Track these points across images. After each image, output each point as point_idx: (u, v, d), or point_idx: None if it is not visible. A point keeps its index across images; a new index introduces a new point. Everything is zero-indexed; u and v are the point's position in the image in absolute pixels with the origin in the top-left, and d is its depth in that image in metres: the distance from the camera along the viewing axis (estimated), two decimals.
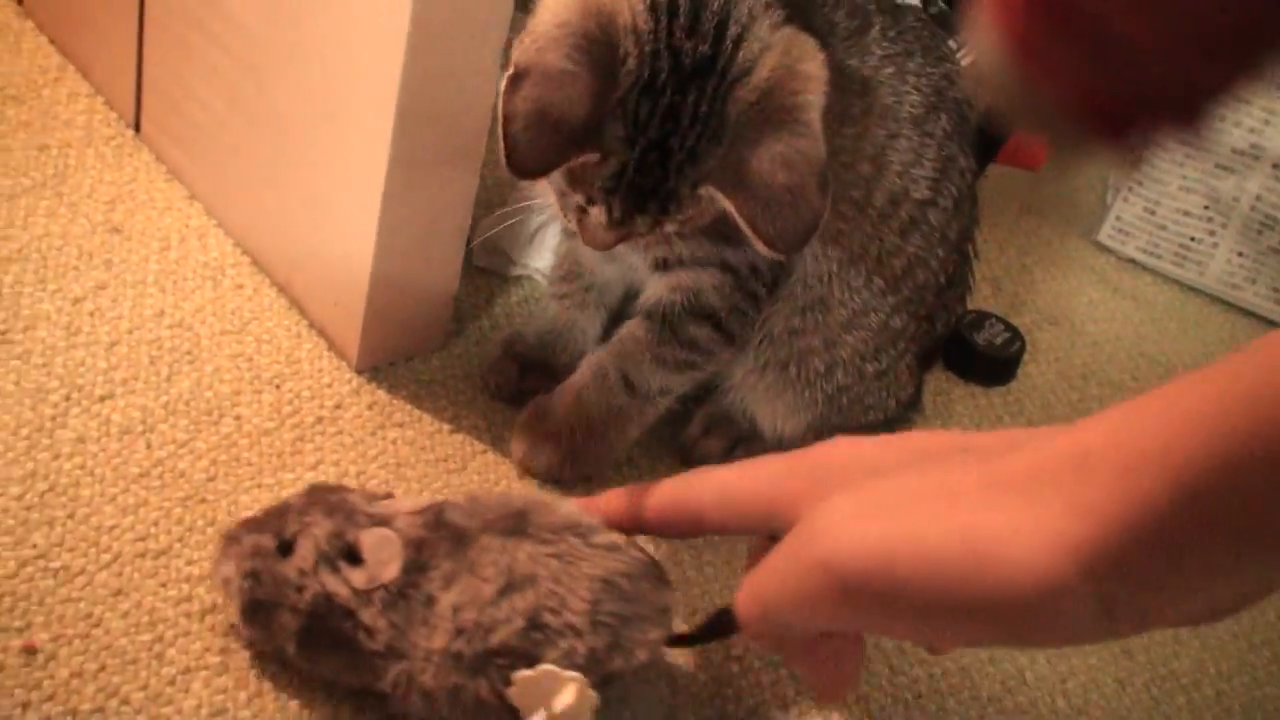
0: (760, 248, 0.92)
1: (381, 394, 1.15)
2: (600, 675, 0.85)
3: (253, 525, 0.90)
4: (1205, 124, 0.59)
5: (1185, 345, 1.59)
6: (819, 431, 1.14)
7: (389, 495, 0.93)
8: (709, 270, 1.07)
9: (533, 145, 0.90)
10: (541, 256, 1.31)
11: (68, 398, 1.07)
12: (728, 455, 1.18)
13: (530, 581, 0.84)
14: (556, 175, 0.96)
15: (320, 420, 1.11)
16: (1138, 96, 0.59)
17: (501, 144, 0.90)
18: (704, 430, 1.19)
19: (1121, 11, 0.55)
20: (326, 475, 1.06)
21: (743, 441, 1.18)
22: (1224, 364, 0.56)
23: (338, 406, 1.13)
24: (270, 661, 0.91)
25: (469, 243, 1.21)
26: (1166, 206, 1.70)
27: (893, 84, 1.06)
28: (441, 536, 0.87)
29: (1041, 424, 1.38)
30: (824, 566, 0.65)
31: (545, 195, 1.27)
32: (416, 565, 0.86)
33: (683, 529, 0.86)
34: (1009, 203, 1.45)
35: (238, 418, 1.09)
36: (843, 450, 0.77)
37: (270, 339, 1.17)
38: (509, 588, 0.84)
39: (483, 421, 1.16)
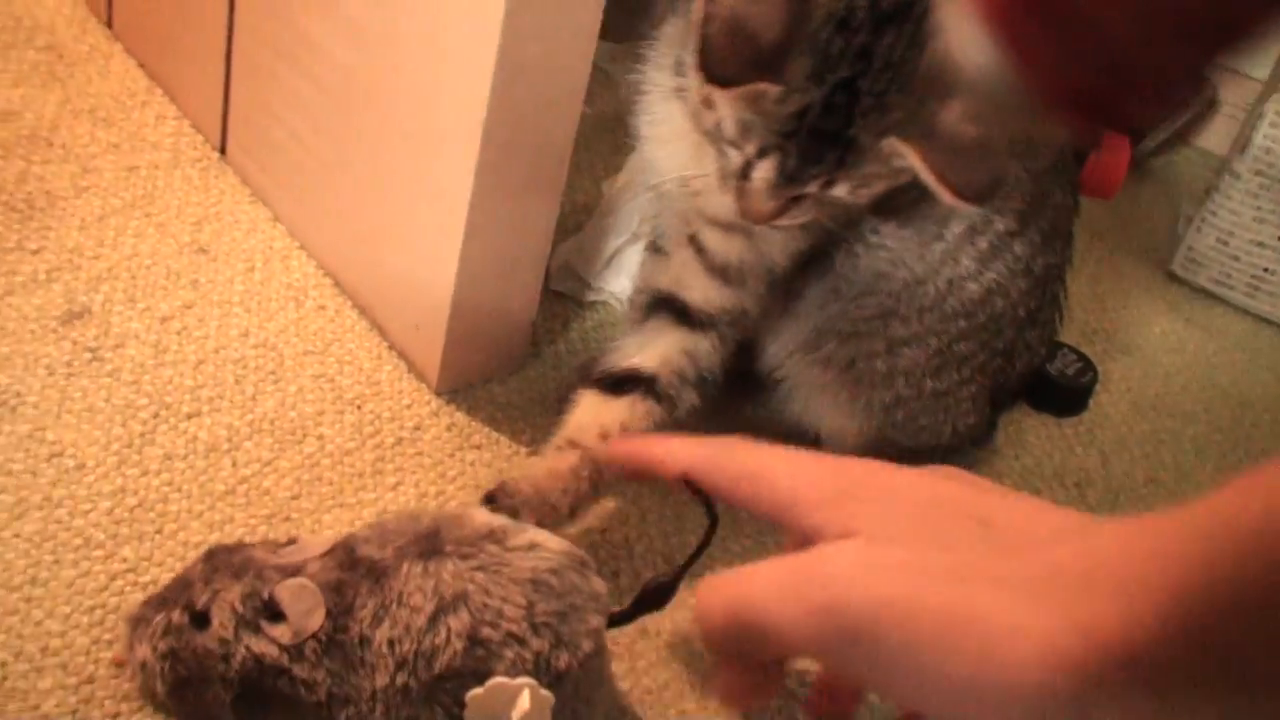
0: (947, 198, 0.90)
1: (460, 416, 1.17)
2: (551, 675, 0.85)
3: (158, 603, 0.86)
4: (1181, 106, 0.59)
5: (1257, 377, 1.59)
6: (876, 446, 1.15)
7: (292, 540, 0.90)
8: (712, 332, 1.09)
9: (725, 53, 0.89)
10: (618, 281, 1.33)
11: (156, 415, 1.09)
12: None
13: (461, 599, 0.83)
14: (729, 121, 0.93)
15: (400, 441, 1.13)
16: (1115, 82, 0.59)
17: (697, 45, 0.89)
18: None
19: (1105, 4, 0.56)
20: (406, 495, 1.08)
21: None
22: (1230, 492, 0.55)
23: (417, 428, 1.15)
24: None
25: (547, 267, 1.22)
26: (1239, 237, 1.69)
27: None
28: (359, 574, 0.85)
29: (1115, 455, 1.38)
30: (829, 611, 0.65)
31: (624, 220, 1.30)
32: (341, 608, 0.83)
33: (712, 492, 0.84)
34: (1081, 232, 1.45)
35: (320, 437, 1.11)
36: (866, 471, 0.77)
37: (352, 360, 1.19)
38: (441, 611, 0.83)
39: None
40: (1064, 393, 1.42)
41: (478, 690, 0.83)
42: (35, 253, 1.20)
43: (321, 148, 1.23)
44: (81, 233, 1.23)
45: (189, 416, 1.10)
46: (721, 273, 1.08)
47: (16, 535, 0.97)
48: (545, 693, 0.84)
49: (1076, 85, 0.59)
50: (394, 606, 0.83)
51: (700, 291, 1.09)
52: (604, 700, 0.95)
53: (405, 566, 0.84)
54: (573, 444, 1.07)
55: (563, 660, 0.85)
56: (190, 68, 1.39)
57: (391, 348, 1.21)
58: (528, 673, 0.83)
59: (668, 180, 1.08)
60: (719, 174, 0.98)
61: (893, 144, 0.90)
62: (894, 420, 1.13)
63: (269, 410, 1.12)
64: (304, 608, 0.82)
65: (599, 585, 0.89)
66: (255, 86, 1.30)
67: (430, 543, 0.86)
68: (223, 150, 1.37)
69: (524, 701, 0.83)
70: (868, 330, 1.10)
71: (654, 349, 1.10)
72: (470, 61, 1.03)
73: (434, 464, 1.12)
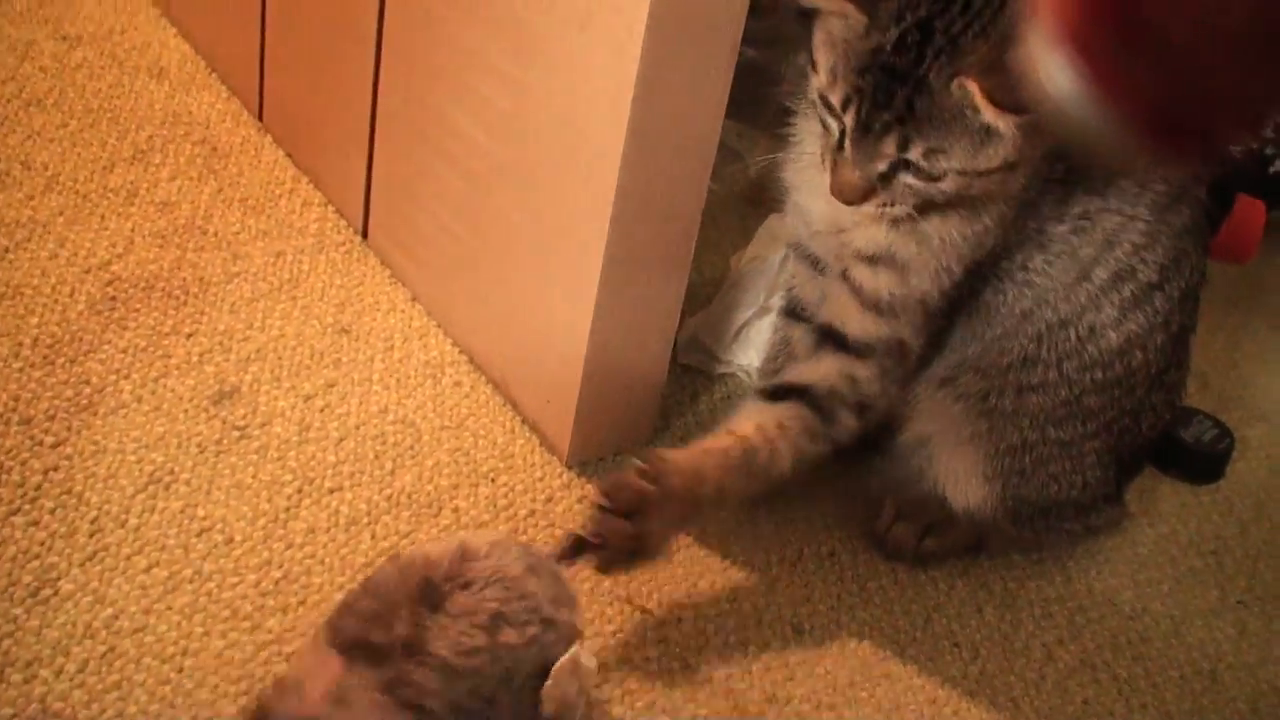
0: (990, 114, 0.90)
1: (591, 488, 1.19)
2: (577, 634, 0.89)
3: None
4: (1261, 130, 0.58)
5: None
6: (1005, 503, 1.15)
7: (279, 681, 0.87)
8: (871, 360, 1.10)
9: None
10: (745, 354, 1.35)
11: (300, 490, 1.14)
12: (919, 543, 1.20)
13: (500, 619, 0.86)
14: (824, 69, 0.96)
15: (533, 513, 1.16)
16: (1202, 107, 0.59)
17: None
18: (895, 518, 1.21)
19: (1184, 24, 0.56)
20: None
21: (934, 528, 1.20)
22: None
23: (549, 500, 1.18)
24: None
25: (674, 341, 1.25)
26: None
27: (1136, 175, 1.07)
28: (396, 661, 0.84)
29: (1254, 523, 1.36)
30: None
31: (752, 293, 1.32)
32: (409, 701, 0.83)
33: None
34: (1216, 297, 1.44)
35: (456, 510, 1.15)
36: None
37: (486, 434, 1.23)
38: (493, 639, 0.85)
39: None
40: (1200, 459, 1.40)
41: (548, 684, 0.86)
42: (189, 336, 1.26)
43: (459, 228, 1.27)
44: (232, 316, 1.29)
45: (331, 491, 1.14)
46: (874, 307, 1.09)
47: (169, 608, 1.02)
48: (589, 642, 0.92)
49: (1162, 111, 0.59)
50: (454, 661, 0.84)
51: (857, 324, 1.10)
52: None
53: (432, 624, 0.85)
54: (729, 433, 1.09)
55: (578, 617, 0.91)
56: (335, 156, 1.45)
57: (524, 422, 1.25)
58: (571, 640, 0.88)
59: (819, 223, 1.11)
60: (823, 155, 1.02)
61: (961, 83, 0.91)
62: (1021, 467, 1.13)
63: (407, 484, 1.16)
64: None
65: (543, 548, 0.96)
66: (396, 172, 1.35)
67: (431, 592, 0.87)
68: (364, 234, 1.43)
69: (586, 662, 0.89)
70: (1004, 371, 1.11)
71: (816, 369, 1.12)
72: (601, 141, 1.07)
73: (566, 535, 1.14)
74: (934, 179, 0.97)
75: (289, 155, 1.53)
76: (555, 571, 0.92)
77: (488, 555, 0.90)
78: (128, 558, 1.05)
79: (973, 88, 0.91)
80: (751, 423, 1.10)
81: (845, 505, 1.25)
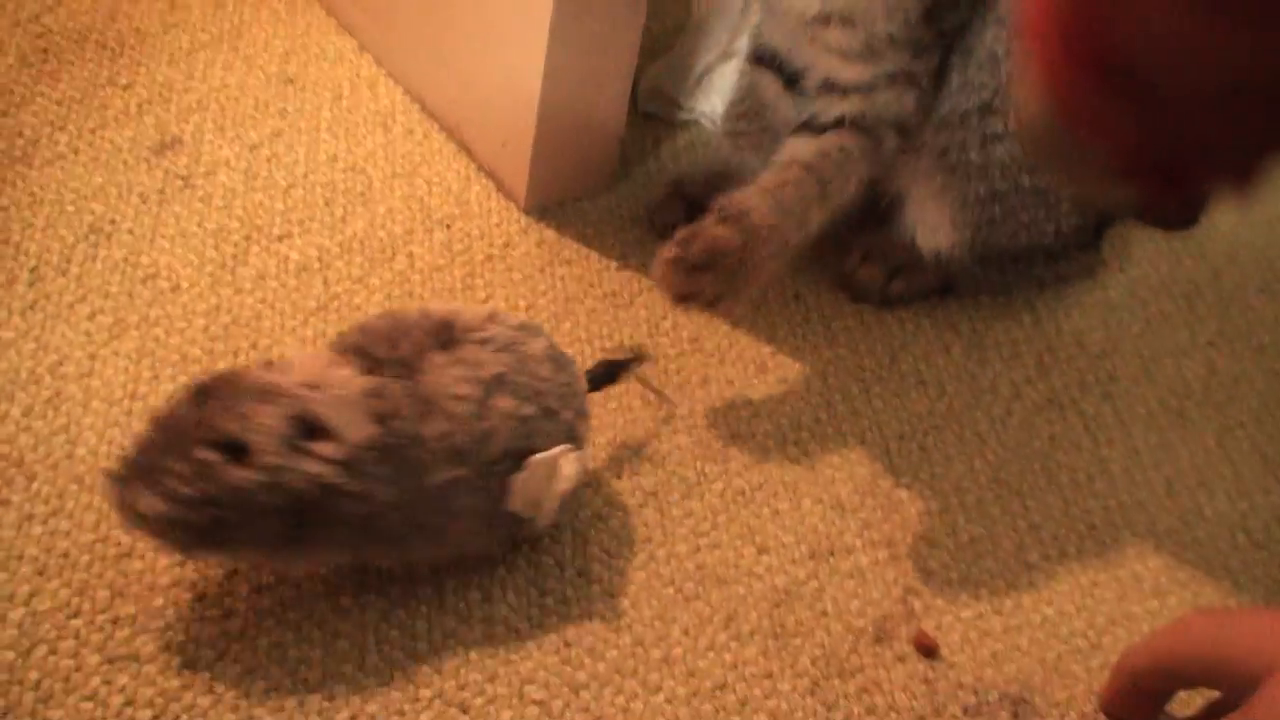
0: None
1: (550, 233, 1.16)
2: (577, 443, 0.86)
3: (160, 450, 0.76)
4: (1252, 181, 0.58)
5: None
6: (974, 247, 1.13)
7: (269, 362, 0.82)
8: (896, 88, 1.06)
9: None
10: (708, 100, 1.31)
11: (248, 238, 1.10)
12: (887, 284, 1.18)
13: (501, 381, 0.82)
14: None
15: (490, 258, 1.13)
16: (1183, 154, 0.58)
17: None
18: (863, 259, 1.18)
19: (1168, 70, 0.54)
20: (498, 308, 1.08)
21: (902, 271, 1.17)
22: None
23: (507, 245, 1.14)
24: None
25: (635, 88, 1.20)
26: None
27: None
28: (388, 377, 0.81)
29: (1226, 267, 1.33)
30: None
31: (714, 37, 1.27)
32: (385, 413, 0.79)
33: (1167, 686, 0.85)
34: None
35: (410, 255, 1.11)
36: None
37: (440, 181, 1.19)
38: (486, 396, 0.81)
39: (650, 260, 1.15)
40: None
41: (520, 474, 0.83)
42: (126, 87, 1.21)
43: None
44: (171, 67, 1.24)
45: (280, 238, 1.11)
46: (855, 57, 1.05)
47: (115, 353, 0.99)
48: (580, 452, 0.86)
49: (1145, 158, 0.59)
50: (440, 400, 0.81)
51: (849, 73, 1.07)
52: None
53: (432, 359, 0.82)
54: (790, 164, 1.06)
55: (583, 426, 0.87)
56: None
57: (480, 168, 1.21)
58: (562, 441, 0.85)
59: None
60: None
61: None
62: (991, 216, 1.10)
63: (359, 231, 1.13)
64: (348, 419, 0.77)
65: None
66: None
67: (446, 333, 0.84)
68: None
69: (567, 468, 0.84)
70: (962, 123, 1.07)
71: (845, 102, 1.07)
72: None
73: (524, 279, 1.11)
74: None
75: None
76: (577, 378, 0.89)
77: (517, 327, 0.86)
78: (70, 305, 1.02)
79: None
80: (811, 150, 1.06)
81: (810, 249, 1.21)
